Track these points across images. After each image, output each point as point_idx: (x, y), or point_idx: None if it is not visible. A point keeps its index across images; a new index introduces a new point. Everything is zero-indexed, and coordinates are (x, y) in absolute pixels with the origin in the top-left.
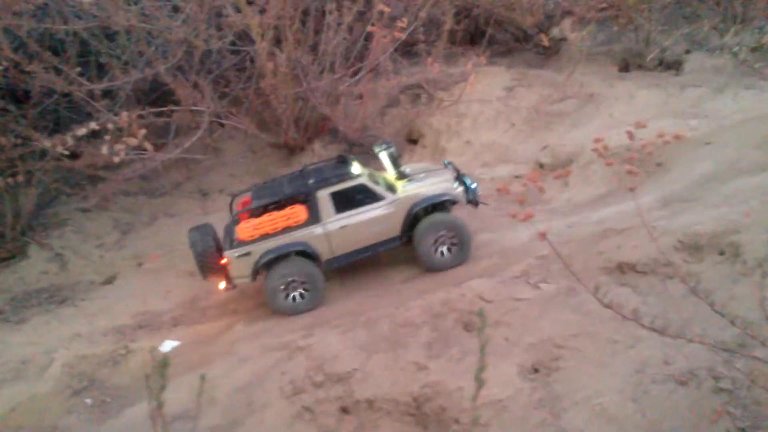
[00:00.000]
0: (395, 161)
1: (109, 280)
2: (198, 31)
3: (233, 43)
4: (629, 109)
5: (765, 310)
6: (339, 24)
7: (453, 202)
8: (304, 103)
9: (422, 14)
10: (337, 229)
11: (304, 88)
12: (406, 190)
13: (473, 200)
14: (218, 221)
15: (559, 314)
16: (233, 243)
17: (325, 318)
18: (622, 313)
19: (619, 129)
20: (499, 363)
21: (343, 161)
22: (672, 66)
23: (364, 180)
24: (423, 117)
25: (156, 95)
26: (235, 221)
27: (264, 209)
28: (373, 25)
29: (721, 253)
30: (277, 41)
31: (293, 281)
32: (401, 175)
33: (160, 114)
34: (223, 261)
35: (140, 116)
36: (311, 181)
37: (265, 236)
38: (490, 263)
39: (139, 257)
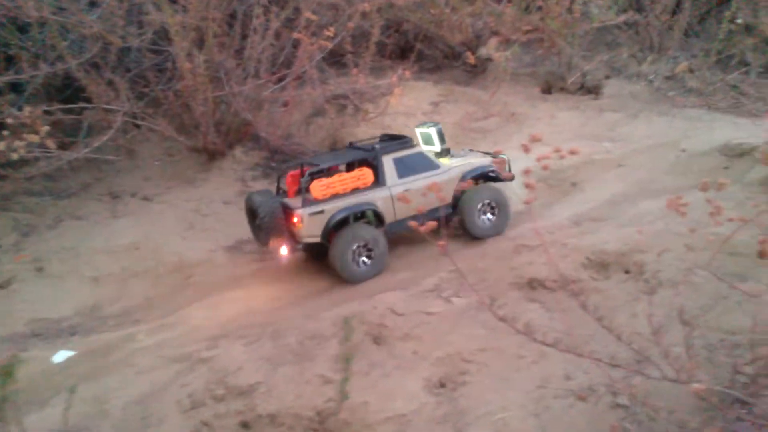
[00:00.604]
0: (442, 139)
1: (3, 285)
2: (115, 27)
3: (155, 42)
4: (550, 130)
5: (653, 328)
6: (266, 29)
7: (495, 177)
8: (226, 108)
9: (350, 24)
10: (401, 192)
11: (226, 92)
12: (453, 162)
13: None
14: (130, 226)
15: (468, 329)
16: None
17: (231, 328)
18: (516, 327)
19: (540, 148)
20: (406, 377)
21: (393, 136)
22: (592, 90)
23: (422, 149)
24: (348, 128)
25: (70, 92)
26: (284, 194)
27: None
28: (299, 32)
29: (627, 272)
30: (201, 42)
31: (360, 246)
32: (445, 152)
33: (70, 111)
34: (295, 219)
35: (47, 112)
36: (378, 146)
37: (336, 196)
38: (404, 276)
39: (39, 261)
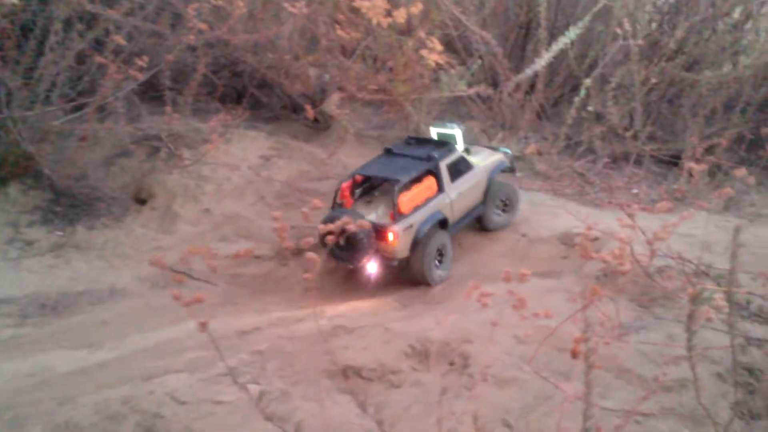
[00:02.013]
0: (463, 139)
1: None
2: None
3: None
4: None
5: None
6: (67, 48)
7: (512, 170)
8: (5, 134)
9: (170, 57)
10: (456, 196)
11: (5, 116)
12: (478, 160)
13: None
14: None
15: (262, 423)
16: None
17: None
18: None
19: None
20: None
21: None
22: None
23: (461, 152)
24: (158, 173)
25: None
26: (339, 206)
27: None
28: (104, 57)
29: (451, 364)
30: None
31: (437, 250)
32: (467, 151)
33: None
34: (390, 237)
35: None
36: (435, 154)
37: (417, 208)
38: (196, 355)
39: None
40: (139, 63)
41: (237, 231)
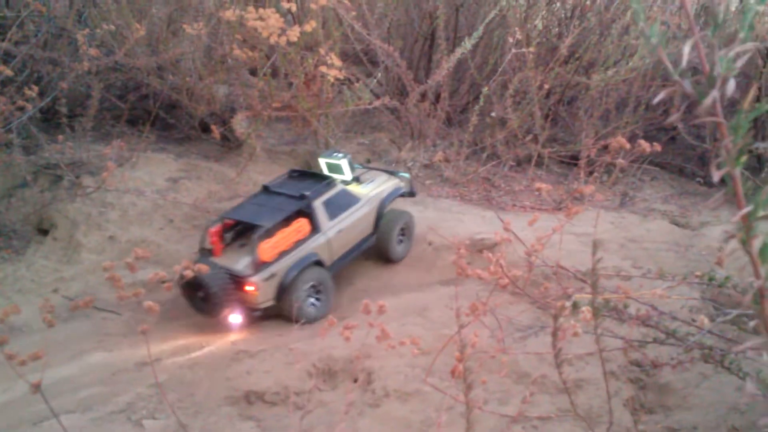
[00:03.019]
0: (351, 167)
1: None
2: None
3: None
4: None
5: None
6: None
7: (412, 194)
8: None
9: (63, 84)
10: (335, 234)
11: None
12: (368, 190)
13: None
14: None
15: None
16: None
17: None
18: None
19: None
20: None
21: (303, 173)
22: None
23: (342, 186)
24: (58, 203)
25: None
26: (208, 251)
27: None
28: None
29: (355, 380)
30: None
31: (310, 287)
32: (355, 180)
33: None
34: (249, 288)
35: None
36: (308, 193)
37: (283, 253)
38: (90, 393)
39: None
40: (29, 93)
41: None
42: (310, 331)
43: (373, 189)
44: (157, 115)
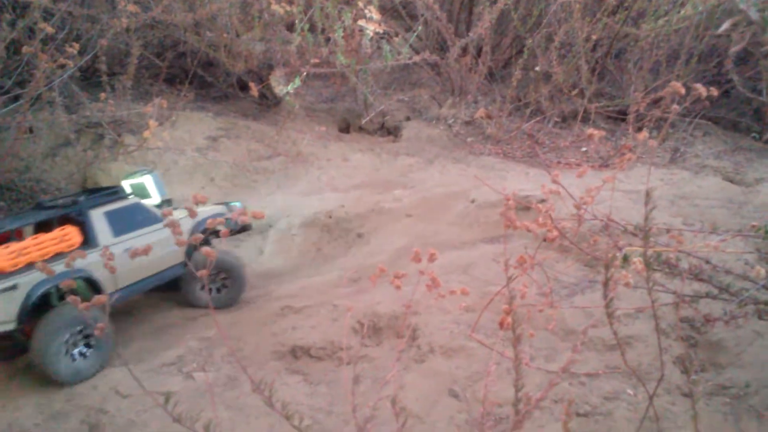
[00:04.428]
0: (161, 188)
1: None
2: None
3: None
4: (339, 173)
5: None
6: (1, 39)
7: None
8: None
9: (103, 41)
10: (120, 253)
11: None
12: (181, 213)
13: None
14: None
15: (208, 411)
16: None
17: None
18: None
19: (323, 194)
20: None
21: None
22: (392, 131)
23: (138, 200)
24: (103, 162)
25: None
26: None
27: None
28: (34, 45)
29: (400, 337)
30: None
31: (75, 333)
32: (166, 204)
33: None
34: None
35: None
36: (82, 199)
37: (30, 265)
38: (140, 346)
39: None
40: (70, 50)
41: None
42: (353, 288)
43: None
44: (195, 73)
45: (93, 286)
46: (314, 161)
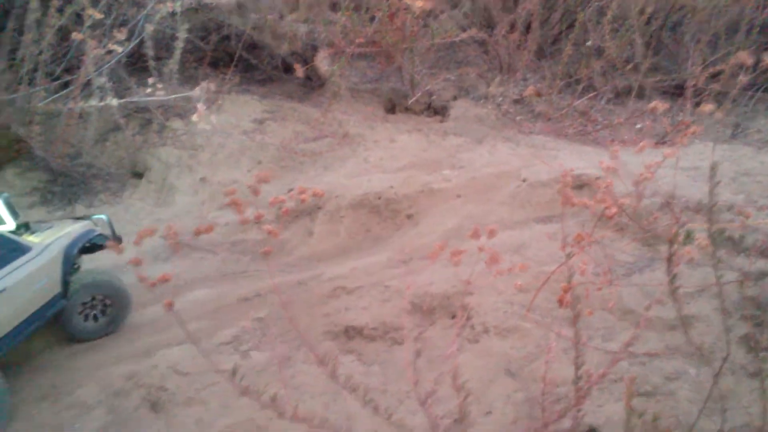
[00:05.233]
0: (12, 210)
1: None
2: None
3: None
4: (387, 154)
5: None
6: (46, 26)
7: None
8: None
9: (149, 26)
10: None
11: None
12: (43, 237)
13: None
14: None
15: (265, 389)
16: None
17: None
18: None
19: (370, 175)
20: None
21: None
22: (439, 111)
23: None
24: (150, 147)
25: None
26: None
27: None
28: (83, 32)
29: (453, 317)
30: None
31: None
32: (24, 228)
33: None
34: None
35: None
36: None
37: None
38: (197, 326)
39: None
40: (117, 36)
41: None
42: (404, 268)
43: (51, 235)
44: (240, 56)
45: None
46: (361, 142)
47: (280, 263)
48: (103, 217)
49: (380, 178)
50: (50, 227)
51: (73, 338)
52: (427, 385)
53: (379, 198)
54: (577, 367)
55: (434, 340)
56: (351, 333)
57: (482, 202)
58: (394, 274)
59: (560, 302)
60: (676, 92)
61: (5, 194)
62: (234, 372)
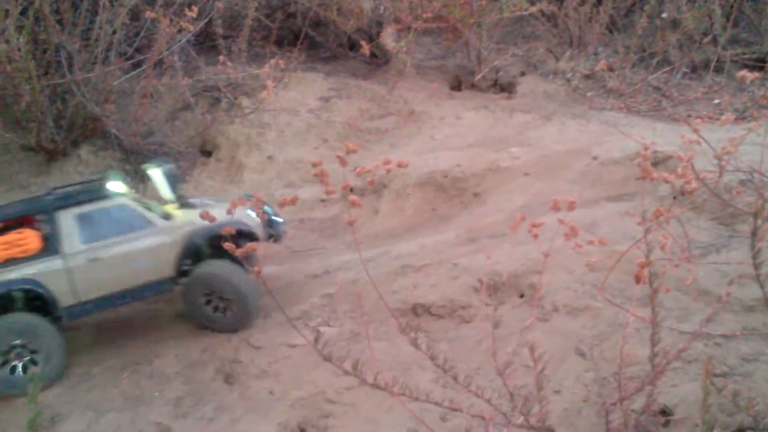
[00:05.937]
0: (173, 183)
1: None
2: None
3: None
4: (453, 132)
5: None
6: (120, 5)
7: (250, 236)
8: (71, 98)
9: (220, 4)
10: (85, 263)
11: (67, 80)
12: (185, 216)
13: (276, 235)
14: None
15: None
16: None
17: None
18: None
19: (437, 153)
20: (259, 422)
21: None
22: (506, 88)
23: (126, 200)
24: (219, 125)
25: None
26: None
27: None
28: (156, 11)
29: (521, 296)
30: (36, 20)
31: (15, 347)
32: (181, 203)
33: None
34: None
35: None
36: (50, 197)
37: None
38: (266, 302)
39: None
40: (189, 14)
41: (302, 176)
42: (472, 246)
43: (194, 215)
44: (305, 34)
45: (41, 299)
46: (426, 120)
47: (346, 241)
48: (268, 209)
49: (446, 155)
50: (208, 205)
51: (205, 327)
52: (507, 354)
53: (446, 176)
54: (654, 343)
55: (504, 318)
56: (419, 310)
57: (551, 180)
58: (462, 252)
59: (637, 279)
60: (756, 65)
61: (168, 165)
62: (316, 339)
